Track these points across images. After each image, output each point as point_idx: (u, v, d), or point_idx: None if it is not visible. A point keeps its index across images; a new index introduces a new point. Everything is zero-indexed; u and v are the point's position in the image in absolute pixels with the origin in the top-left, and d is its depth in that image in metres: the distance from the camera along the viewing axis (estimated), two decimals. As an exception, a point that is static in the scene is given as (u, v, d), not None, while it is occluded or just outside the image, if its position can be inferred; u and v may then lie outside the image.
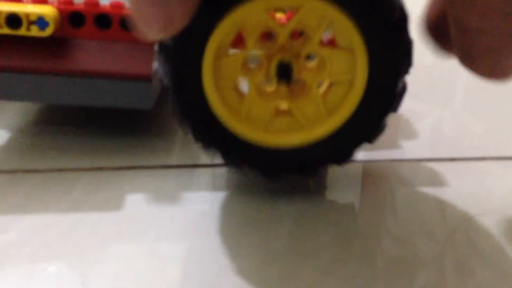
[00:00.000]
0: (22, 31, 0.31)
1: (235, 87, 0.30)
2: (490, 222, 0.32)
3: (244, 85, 0.31)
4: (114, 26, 0.33)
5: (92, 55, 0.33)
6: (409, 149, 0.38)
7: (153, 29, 0.22)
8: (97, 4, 0.33)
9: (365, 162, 0.36)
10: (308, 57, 0.30)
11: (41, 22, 0.31)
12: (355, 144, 0.30)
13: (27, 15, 0.31)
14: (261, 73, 0.29)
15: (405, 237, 0.30)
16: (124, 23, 0.33)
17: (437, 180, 0.35)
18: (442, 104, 0.46)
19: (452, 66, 0.28)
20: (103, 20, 0.33)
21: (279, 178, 0.31)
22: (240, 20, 0.28)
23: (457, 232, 0.31)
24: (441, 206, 0.33)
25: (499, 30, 0.24)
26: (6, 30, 0.31)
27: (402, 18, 0.27)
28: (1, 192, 0.32)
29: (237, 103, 0.30)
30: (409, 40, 0.28)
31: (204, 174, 0.35)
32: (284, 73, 0.29)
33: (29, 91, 0.34)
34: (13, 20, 0.31)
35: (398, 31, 0.27)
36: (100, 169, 0.35)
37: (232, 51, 0.29)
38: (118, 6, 0.33)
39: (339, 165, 0.31)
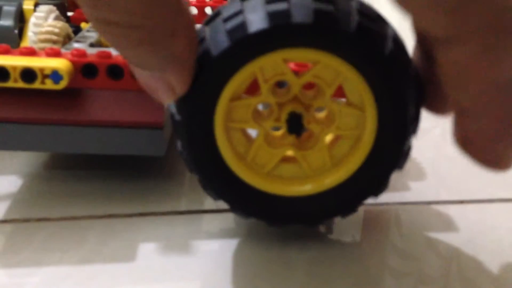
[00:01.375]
0: (36, 85, 0.32)
1: (244, 131, 0.31)
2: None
3: (252, 130, 0.31)
4: (126, 76, 0.34)
5: (105, 105, 0.34)
6: (417, 191, 0.38)
7: (161, 97, 0.26)
8: (109, 56, 0.34)
9: (376, 205, 0.37)
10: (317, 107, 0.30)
11: (55, 75, 0.32)
12: (360, 198, 0.31)
13: (42, 70, 0.32)
14: (271, 120, 0.30)
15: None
16: None
17: (446, 224, 0.35)
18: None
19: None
20: (115, 70, 0.34)
21: (284, 227, 0.32)
22: (258, 69, 0.28)
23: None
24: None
25: (495, 116, 0.24)
26: (21, 84, 0.32)
27: (414, 83, 0.28)
28: (16, 243, 0.32)
29: (244, 148, 0.31)
30: (418, 104, 0.28)
31: (214, 220, 0.35)
32: (294, 124, 0.30)
33: (44, 141, 0.34)
34: (28, 73, 0.32)
35: (409, 95, 0.28)
36: (112, 216, 0.35)
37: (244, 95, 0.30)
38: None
39: (343, 217, 0.32)
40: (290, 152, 0.31)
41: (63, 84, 0.32)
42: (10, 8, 0.41)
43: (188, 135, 0.29)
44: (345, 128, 0.30)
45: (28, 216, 0.35)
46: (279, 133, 0.31)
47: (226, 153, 0.29)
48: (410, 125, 0.28)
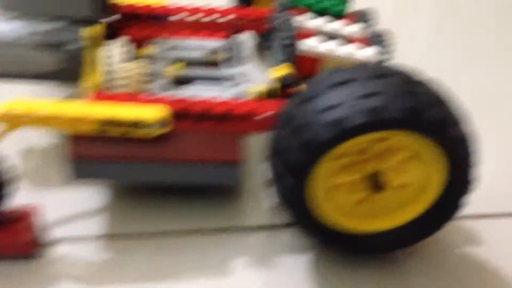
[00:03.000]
0: (143, 132, 0.38)
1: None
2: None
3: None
4: (211, 120, 0.40)
5: (191, 144, 0.40)
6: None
7: None
8: (199, 102, 0.39)
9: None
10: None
11: (161, 124, 0.38)
12: (413, 239, 0.38)
13: (150, 121, 0.38)
14: (354, 174, 0.36)
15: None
16: (219, 118, 0.40)
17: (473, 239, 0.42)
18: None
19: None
20: (203, 114, 0.39)
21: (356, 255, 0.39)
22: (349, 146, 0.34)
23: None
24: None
25: None
26: (131, 133, 0.38)
27: (473, 153, 0.35)
28: (120, 260, 0.38)
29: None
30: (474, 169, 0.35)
31: (295, 234, 0.41)
32: (376, 183, 0.36)
33: (140, 175, 0.40)
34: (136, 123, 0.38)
35: (471, 162, 0.35)
36: (201, 231, 0.41)
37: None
38: (214, 104, 0.40)
39: (400, 249, 0.39)
40: (363, 195, 0.37)
41: (166, 129, 0.38)
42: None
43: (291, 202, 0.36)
44: (412, 179, 0.36)
45: (128, 231, 0.41)
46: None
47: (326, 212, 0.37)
48: (467, 186, 0.36)
